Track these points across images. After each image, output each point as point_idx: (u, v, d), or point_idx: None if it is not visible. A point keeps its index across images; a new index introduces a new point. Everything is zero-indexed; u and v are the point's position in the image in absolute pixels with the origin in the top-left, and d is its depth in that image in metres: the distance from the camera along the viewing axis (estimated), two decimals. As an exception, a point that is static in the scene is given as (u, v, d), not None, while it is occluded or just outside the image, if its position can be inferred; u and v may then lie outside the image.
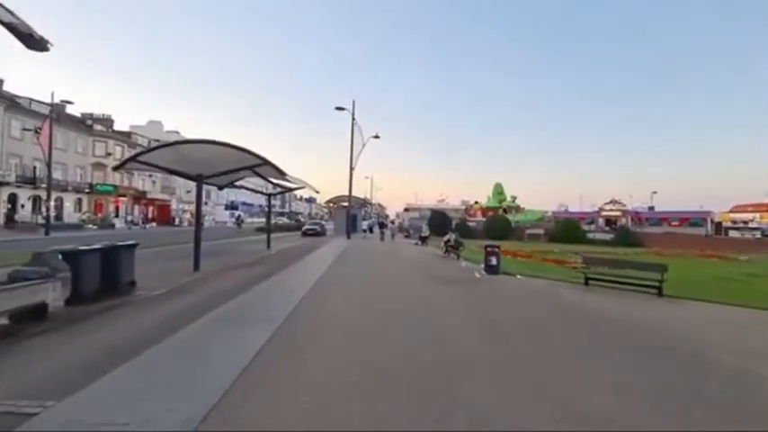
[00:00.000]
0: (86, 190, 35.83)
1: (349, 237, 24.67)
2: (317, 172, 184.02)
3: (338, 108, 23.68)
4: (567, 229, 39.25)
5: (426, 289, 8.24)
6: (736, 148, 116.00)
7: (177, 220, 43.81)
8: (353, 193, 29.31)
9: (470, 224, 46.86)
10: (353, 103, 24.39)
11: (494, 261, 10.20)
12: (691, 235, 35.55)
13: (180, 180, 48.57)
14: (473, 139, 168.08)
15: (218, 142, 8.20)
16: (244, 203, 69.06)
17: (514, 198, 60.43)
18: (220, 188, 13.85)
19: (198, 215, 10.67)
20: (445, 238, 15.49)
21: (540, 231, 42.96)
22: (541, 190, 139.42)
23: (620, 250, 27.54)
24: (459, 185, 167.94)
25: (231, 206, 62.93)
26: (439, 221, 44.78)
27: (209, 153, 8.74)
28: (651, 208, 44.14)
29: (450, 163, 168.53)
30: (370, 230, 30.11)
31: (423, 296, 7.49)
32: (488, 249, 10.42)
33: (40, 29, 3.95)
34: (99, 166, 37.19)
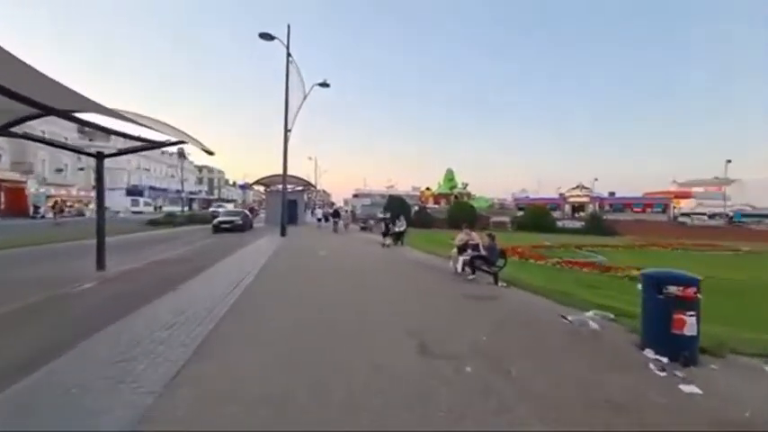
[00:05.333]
0: None
1: (284, 233, 16.65)
2: (253, 152, 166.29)
3: (264, 36, 15.16)
4: (535, 216, 35.66)
5: None
6: (642, 138, 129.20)
7: (39, 210, 30.61)
8: (293, 176, 21.16)
9: (430, 211, 41.60)
10: (288, 28, 15.99)
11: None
12: (659, 222, 34.14)
13: (45, 151, 34.87)
14: (422, 124, 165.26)
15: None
16: (153, 188, 55.25)
17: (465, 185, 57.54)
18: None
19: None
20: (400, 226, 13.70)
21: (506, 219, 39.15)
22: (492, 176, 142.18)
23: (599, 240, 24.29)
24: (408, 171, 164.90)
25: (134, 191, 49.30)
26: (397, 208, 38.40)
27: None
28: (612, 194, 42.91)
29: (398, 148, 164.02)
30: (326, 220, 25.53)
31: None
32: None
33: None
34: None
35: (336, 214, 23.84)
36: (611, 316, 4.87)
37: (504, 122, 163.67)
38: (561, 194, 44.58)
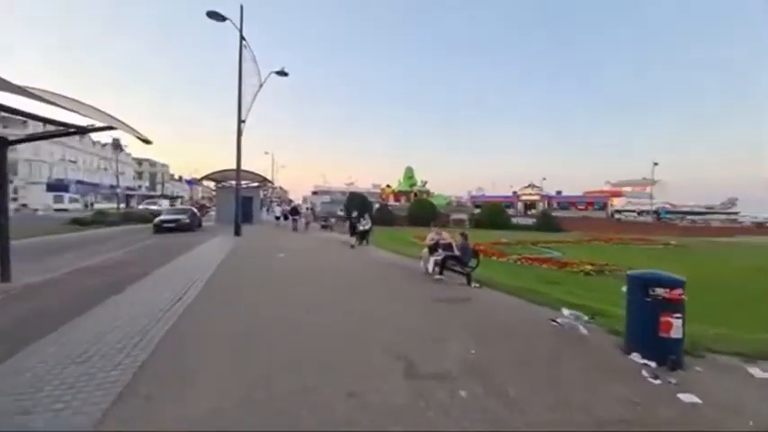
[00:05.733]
0: None
1: (239, 232, 15.35)
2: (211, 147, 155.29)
3: (213, 15, 13.70)
4: (492, 214, 37.14)
5: None
6: (582, 140, 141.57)
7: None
8: (248, 171, 19.58)
9: (391, 208, 41.61)
10: (241, 9, 14.62)
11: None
12: (599, 218, 37.24)
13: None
14: (382, 121, 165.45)
15: None
16: (81, 183, 49.02)
17: (425, 182, 58.52)
18: None
19: None
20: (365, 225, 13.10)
21: (465, 217, 40.40)
22: (449, 175, 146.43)
23: (550, 236, 25.87)
24: (369, 168, 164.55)
25: (57, 186, 43.28)
26: (359, 206, 37.78)
27: None
28: (559, 192, 46.12)
29: (358, 146, 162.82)
30: (284, 218, 24.09)
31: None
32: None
33: None
34: None
35: (295, 212, 22.71)
36: (586, 318, 4.79)
37: (460, 123, 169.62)
38: (514, 193, 46.99)
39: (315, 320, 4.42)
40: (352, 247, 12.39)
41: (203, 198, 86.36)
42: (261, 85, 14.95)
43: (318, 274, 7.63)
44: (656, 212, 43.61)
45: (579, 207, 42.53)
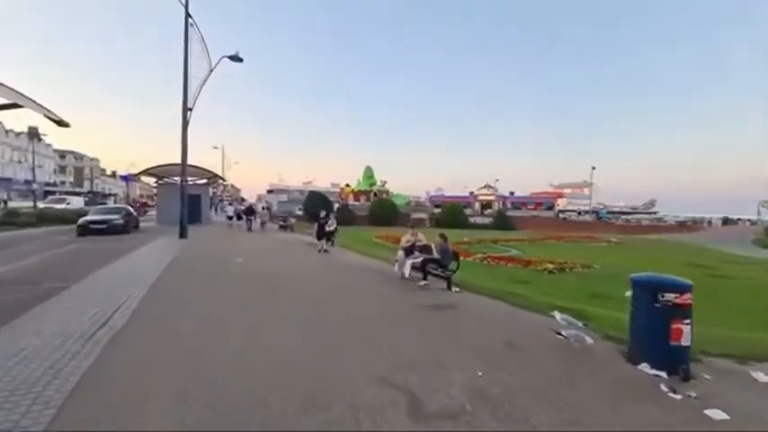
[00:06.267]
0: None
1: (184, 234, 13.68)
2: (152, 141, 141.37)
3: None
4: (451, 213, 38.07)
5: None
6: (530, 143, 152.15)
7: None
8: (196, 166, 17.55)
9: (352, 208, 40.93)
10: (187, -17, 12.94)
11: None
12: (548, 218, 39.79)
13: None
14: (341, 120, 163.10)
15: None
16: (-14, 177, 41.67)
17: (384, 182, 58.53)
18: None
19: None
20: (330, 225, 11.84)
21: (425, 216, 40.97)
22: (407, 175, 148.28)
23: (507, 234, 27.08)
24: (327, 167, 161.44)
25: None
26: (319, 205, 36.38)
27: None
28: (512, 193, 48.59)
29: (315, 144, 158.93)
30: (237, 218, 22.37)
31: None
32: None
33: None
34: None
35: (250, 211, 21.08)
36: (580, 324, 4.57)
37: (417, 123, 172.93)
38: (471, 193, 48.60)
39: (289, 343, 3.66)
40: (325, 251, 11.33)
41: (142, 196, 78.21)
42: (211, 70, 13.40)
43: (286, 282, 6.75)
44: (596, 212, 47.72)
45: (530, 207, 45.18)
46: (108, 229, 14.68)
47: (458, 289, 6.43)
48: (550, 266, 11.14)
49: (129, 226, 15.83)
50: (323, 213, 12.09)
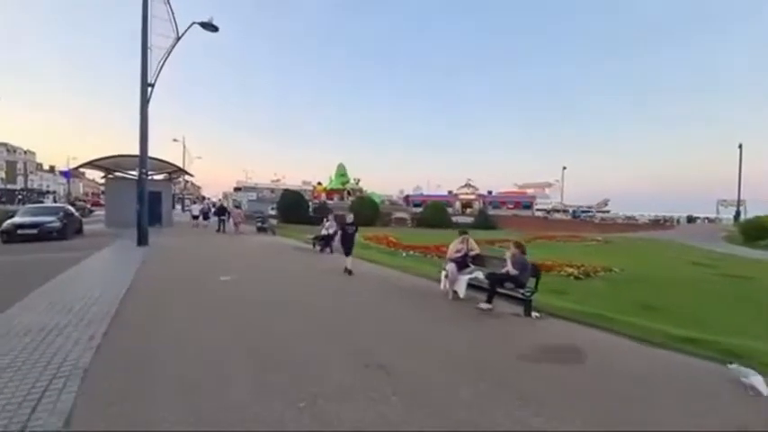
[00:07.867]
0: None
1: (143, 240, 11.05)
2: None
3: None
4: (434, 213, 36.99)
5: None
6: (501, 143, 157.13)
7: None
8: (156, 158, 14.46)
9: (331, 206, 38.65)
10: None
11: None
12: (528, 216, 39.94)
13: None
14: (309, 118, 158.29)
15: None
16: None
17: (358, 180, 56.62)
18: None
19: None
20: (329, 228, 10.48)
21: (406, 216, 39.71)
22: (379, 173, 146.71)
23: (491, 234, 26.40)
24: (296, 165, 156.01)
25: None
26: (294, 204, 33.77)
27: None
28: (490, 192, 48.57)
29: (284, 141, 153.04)
30: (204, 217, 20.56)
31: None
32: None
33: None
34: None
35: (222, 211, 18.46)
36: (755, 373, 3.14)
37: (388, 122, 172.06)
38: (450, 192, 47.96)
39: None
40: (349, 272, 7.47)
41: (87, 195, 69.99)
42: (178, 38, 10.82)
43: (294, 307, 4.78)
44: (573, 212, 49.02)
45: (509, 206, 45.35)
46: (41, 235, 11.65)
47: (538, 314, 4.89)
48: (575, 272, 10.02)
49: (68, 230, 12.73)
50: (350, 219, 7.97)
